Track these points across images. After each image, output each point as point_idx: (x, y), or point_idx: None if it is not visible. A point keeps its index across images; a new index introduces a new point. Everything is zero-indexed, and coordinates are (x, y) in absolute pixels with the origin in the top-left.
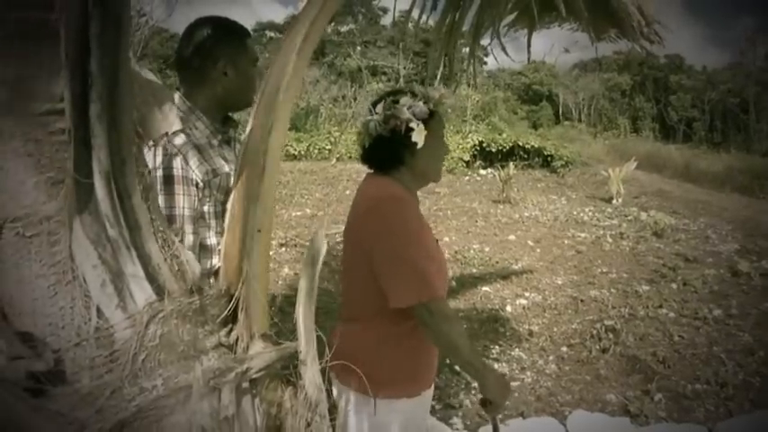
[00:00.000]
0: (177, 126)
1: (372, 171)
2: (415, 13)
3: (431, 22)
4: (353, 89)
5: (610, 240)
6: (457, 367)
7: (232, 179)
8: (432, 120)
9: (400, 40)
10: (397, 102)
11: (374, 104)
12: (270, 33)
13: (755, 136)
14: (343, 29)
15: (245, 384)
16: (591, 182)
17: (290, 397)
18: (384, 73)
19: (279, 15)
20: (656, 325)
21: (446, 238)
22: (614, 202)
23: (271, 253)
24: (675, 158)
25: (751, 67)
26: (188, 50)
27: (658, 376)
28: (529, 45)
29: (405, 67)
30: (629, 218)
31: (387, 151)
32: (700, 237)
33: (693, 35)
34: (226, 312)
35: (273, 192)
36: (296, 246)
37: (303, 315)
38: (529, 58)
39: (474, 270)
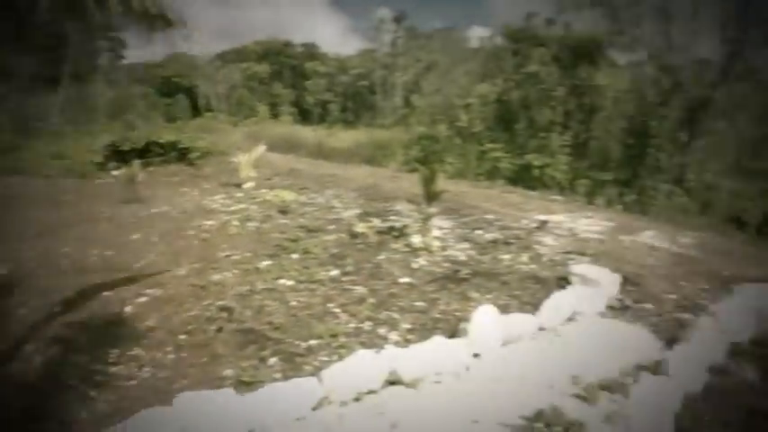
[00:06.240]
0: None
1: None
2: None
3: None
4: None
5: (236, 224)
6: None
7: None
8: None
9: None
10: None
11: None
12: None
13: (381, 113)
14: None
15: None
16: (227, 170)
17: None
18: None
19: None
20: (273, 296)
21: (63, 250)
22: (245, 186)
23: None
24: (309, 139)
25: (378, 52)
26: None
27: (272, 341)
28: None
29: None
30: (258, 200)
31: None
32: (325, 207)
33: (332, 25)
34: None
35: None
36: None
37: None
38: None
39: (95, 276)
